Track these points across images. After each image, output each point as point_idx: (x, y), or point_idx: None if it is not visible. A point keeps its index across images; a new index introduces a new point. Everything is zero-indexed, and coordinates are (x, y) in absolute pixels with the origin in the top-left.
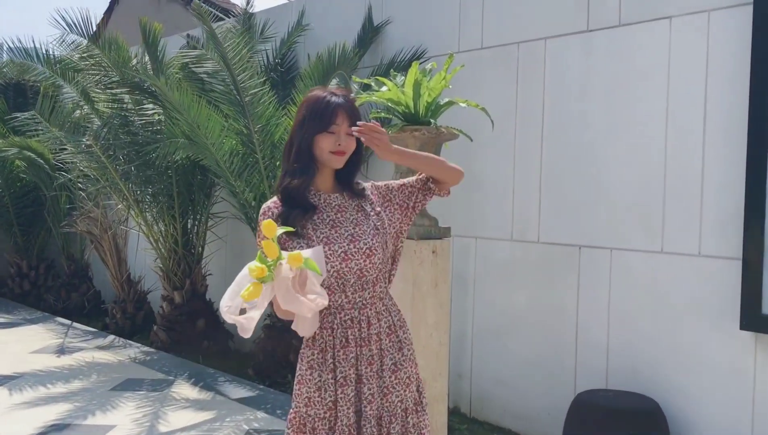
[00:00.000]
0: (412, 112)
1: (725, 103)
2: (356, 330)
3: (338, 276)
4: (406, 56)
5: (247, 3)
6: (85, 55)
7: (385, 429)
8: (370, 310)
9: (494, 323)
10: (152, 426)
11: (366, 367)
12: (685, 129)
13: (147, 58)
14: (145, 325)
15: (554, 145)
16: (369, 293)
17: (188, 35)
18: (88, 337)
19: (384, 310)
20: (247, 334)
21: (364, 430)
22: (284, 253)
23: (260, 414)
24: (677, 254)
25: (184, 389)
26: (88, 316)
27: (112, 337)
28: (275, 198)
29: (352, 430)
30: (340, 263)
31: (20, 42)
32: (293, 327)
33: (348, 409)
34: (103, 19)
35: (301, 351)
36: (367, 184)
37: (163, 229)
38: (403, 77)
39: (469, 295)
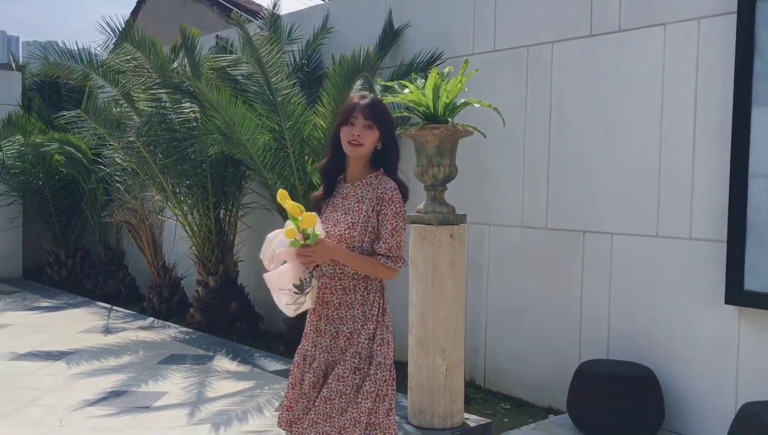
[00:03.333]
0: (432, 112)
1: (713, 102)
2: (324, 292)
3: None
4: (425, 58)
5: (274, 6)
6: (129, 57)
7: (331, 379)
8: (337, 282)
9: (506, 303)
10: (200, 392)
11: (325, 324)
12: (678, 126)
13: (185, 60)
14: (180, 309)
15: (560, 141)
16: (339, 269)
17: (217, 36)
18: (128, 319)
19: (351, 287)
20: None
21: (318, 371)
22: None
23: None
24: (670, 238)
25: (224, 363)
26: (124, 301)
27: (151, 319)
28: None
29: (310, 366)
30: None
31: (64, 44)
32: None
33: (312, 349)
34: (130, 18)
35: None
36: (389, 186)
37: (197, 218)
38: (423, 80)
39: (483, 279)
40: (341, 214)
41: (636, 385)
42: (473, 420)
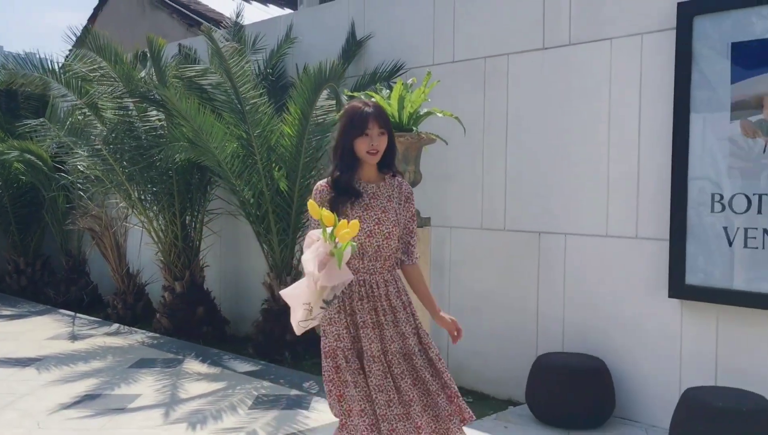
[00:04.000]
0: (397, 121)
1: (656, 110)
2: (367, 289)
3: (360, 247)
4: (387, 68)
5: (237, 15)
6: (95, 67)
7: (411, 361)
8: (379, 276)
9: (467, 302)
10: (173, 394)
11: (383, 316)
12: (624, 133)
13: (152, 69)
14: (145, 315)
15: (516, 147)
16: (380, 264)
17: (180, 45)
18: (94, 325)
19: (391, 279)
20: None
21: (394, 361)
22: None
23: (266, 383)
24: (618, 237)
25: (194, 366)
26: (87, 309)
27: (117, 325)
28: (325, 180)
29: (378, 360)
30: (365, 239)
31: (25, 54)
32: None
33: (371, 344)
34: (91, 26)
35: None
36: (405, 184)
37: (164, 225)
38: (387, 90)
39: (445, 279)
40: (380, 213)
41: (589, 375)
42: None
